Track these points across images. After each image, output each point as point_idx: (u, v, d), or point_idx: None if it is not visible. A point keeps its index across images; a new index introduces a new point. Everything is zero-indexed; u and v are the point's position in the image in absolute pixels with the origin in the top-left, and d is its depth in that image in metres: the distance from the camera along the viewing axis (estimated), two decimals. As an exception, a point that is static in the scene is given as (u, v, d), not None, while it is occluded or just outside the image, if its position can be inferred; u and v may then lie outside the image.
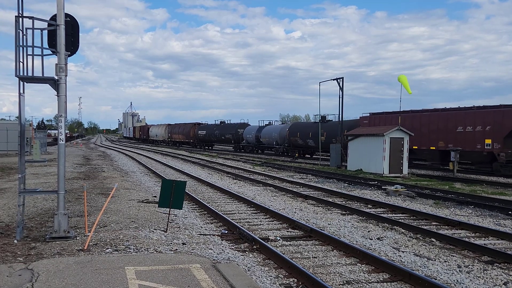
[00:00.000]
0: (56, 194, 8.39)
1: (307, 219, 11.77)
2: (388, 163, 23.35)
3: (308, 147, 37.97)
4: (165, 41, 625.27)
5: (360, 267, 7.65)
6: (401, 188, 17.21)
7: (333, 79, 29.50)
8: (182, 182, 9.78)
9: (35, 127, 75.22)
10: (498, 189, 18.27)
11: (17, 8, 7.99)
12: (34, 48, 8.10)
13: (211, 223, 11.35)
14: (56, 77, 8.25)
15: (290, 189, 17.73)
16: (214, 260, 7.31)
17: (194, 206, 13.98)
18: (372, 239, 9.68)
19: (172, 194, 9.57)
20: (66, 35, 8.26)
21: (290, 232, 10.35)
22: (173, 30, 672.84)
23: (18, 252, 7.44)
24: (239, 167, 29.11)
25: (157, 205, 11.68)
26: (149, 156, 41.90)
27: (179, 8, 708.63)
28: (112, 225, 9.74)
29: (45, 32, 8.26)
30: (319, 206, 14.08)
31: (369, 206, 14.18)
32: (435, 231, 10.19)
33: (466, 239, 9.56)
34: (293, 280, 6.91)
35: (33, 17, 8.07)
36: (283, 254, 8.10)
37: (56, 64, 8.23)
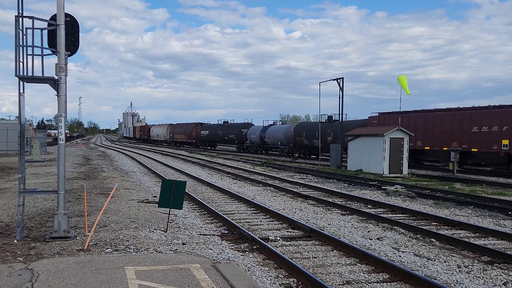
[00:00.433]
0: (56, 194, 8.39)
1: (307, 219, 11.77)
2: (388, 163, 23.36)
3: (314, 147, 37.77)
4: (165, 41, 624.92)
5: (360, 267, 7.65)
6: (401, 188, 17.21)
7: (333, 79, 29.57)
8: (182, 182, 9.79)
9: (35, 127, 75.29)
10: (498, 190, 18.27)
11: (17, 8, 8.00)
12: (34, 48, 8.11)
13: (211, 223, 11.35)
14: (56, 77, 8.26)
15: (290, 189, 17.74)
16: (214, 260, 7.31)
17: (194, 206, 13.98)
18: (372, 239, 9.68)
19: (172, 194, 9.57)
20: (66, 35, 8.26)
21: (290, 232, 10.35)
22: (173, 30, 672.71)
23: (18, 252, 7.44)
24: (239, 167, 29.11)
25: (157, 205, 11.69)
26: (149, 156, 41.91)
27: (179, 8, 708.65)
28: (112, 225, 9.75)
29: (45, 32, 8.26)
30: (319, 206, 14.08)
31: (369, 206, 14.19)
32: (435, 231, 10.19)
33: (466, 239, 9.56)
34: (293, 280, 6.92)
35: (33, 17, 8.08)
36: (283, 254, 8.11)
37: (56, 64, 8.23)
